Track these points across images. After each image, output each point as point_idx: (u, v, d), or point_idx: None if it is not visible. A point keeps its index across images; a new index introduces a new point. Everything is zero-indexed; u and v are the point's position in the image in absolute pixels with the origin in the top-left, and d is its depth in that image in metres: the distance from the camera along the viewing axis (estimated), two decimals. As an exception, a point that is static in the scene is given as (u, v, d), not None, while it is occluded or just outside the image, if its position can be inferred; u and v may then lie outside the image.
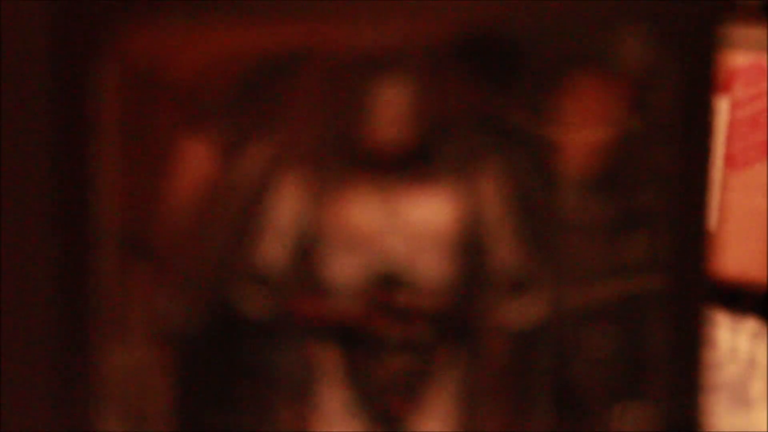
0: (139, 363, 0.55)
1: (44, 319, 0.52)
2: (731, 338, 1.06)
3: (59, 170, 0.51)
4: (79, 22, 0.51)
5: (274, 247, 0.55)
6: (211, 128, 0.55)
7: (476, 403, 0.56)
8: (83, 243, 0.52)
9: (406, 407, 0.56)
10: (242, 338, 0.56)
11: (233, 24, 0.52)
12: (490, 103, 0.54)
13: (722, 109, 1.00)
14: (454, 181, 0.55)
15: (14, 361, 0.52)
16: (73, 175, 0.51)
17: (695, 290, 0.51)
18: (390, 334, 0.55)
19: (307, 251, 0.55)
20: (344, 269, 0.55)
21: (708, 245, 0.50)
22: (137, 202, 0.54)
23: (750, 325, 1.09)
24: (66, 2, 0.50)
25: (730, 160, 1.12)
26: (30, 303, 0.52)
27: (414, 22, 0.50)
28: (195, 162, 0.55)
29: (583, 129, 0.54)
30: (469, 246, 0.55)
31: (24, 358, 0.52)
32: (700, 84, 0.50)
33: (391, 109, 0.53)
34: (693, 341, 0.51)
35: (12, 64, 0.51)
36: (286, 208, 0.55)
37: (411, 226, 0.54)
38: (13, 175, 0.52)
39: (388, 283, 0.55)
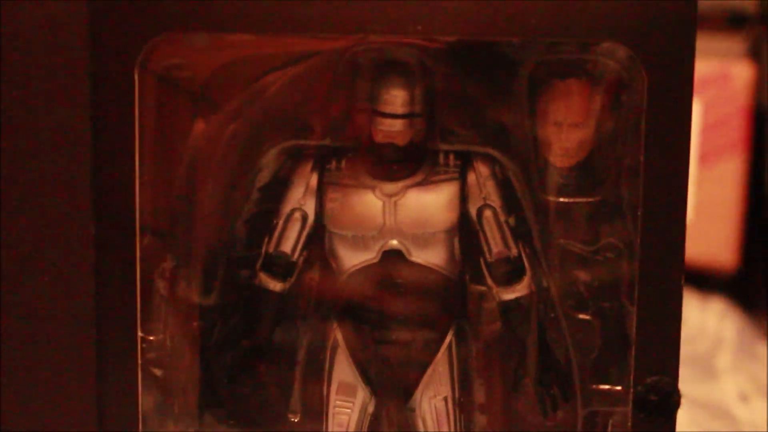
0: (169, 339, 0.55)
1: (85, 298, 0.52)
2: (700, 317, 1.06)
3: (99, 163, 0.51)
4: (115, 35, 0.50)
5: (289, 234, 0.55)
6: (229, 126, 0.55)
7: (472, 374, 0.56)
8: (119, 229, 0.52)
9: (411, 378, 0.55)
10: (262, 317, 0.56)
11: (244, 35, 0.52)
12: (485, 104, 0.54)
13: (695, 111, 0.99)
14: (451, 173, 0.54)
15: (58, 337, 0.52)
16: (111, 167, 0.51)
17: (671, 274, 0.50)
18: (395, 311, 0.55)
19: (319, 237, 0.55)
20: (352, 252, 0.54)
21: (683, 233, 0.50)
22: (164, 194, 0.54)
23: (717, 305, 1.09)
24: (104, 20, 0.50)
25: (702, 158, 1.12)
26: (73, 282, 0.52)
27: (419, 31, 0.50)
28: (216, 157, 0.55)
29: (567, 128, 0.53)
30: (464, 233, 0.55)
31: (66, 338, 0.52)
32: (672, 89, 0.49)
33: (394, 109, 0.53)
34: (668, 320, 0.51)
35: (57, 72, 0.51)
36: (300, 198, 0.55)
37: (412, 215, 0.54)
38: (58, 168, 0.52)
39: (391, 264, 0.54)
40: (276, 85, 0.54)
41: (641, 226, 0.50)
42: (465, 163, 0.54)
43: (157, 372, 0.54)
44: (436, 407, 0.55)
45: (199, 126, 0.55)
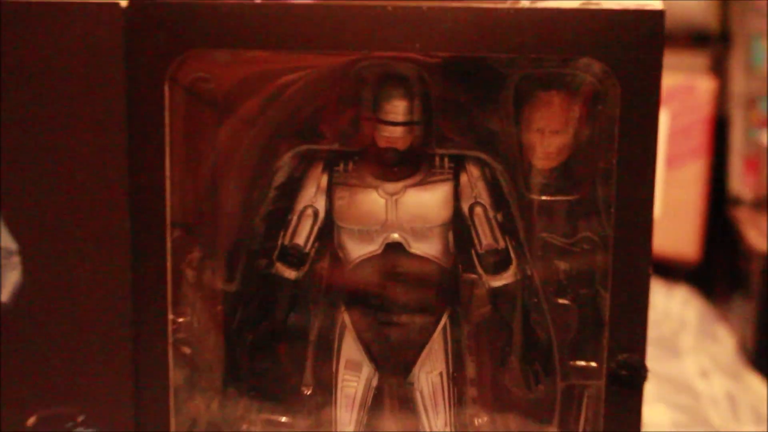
0: (196, 321, 0.55)
1: (122, 286, 0.52)
2: (665, 302, 1.06)
3: (134, 166, 0.51)
4: (148, 53, 0.50)
5: (302, 228, 0.55)
6: (248, 132, 0.55)
7: (464, 352, 0.55)
8: (152, 224, 0.52)
9: (410, 355, 0.55)
10: (279, 302, 0.55)
11: (262, 52, 0.51)
12: (476, 113, 0.54)
13: (662, 120, 0.99)
14: (446, 174, 0.54)
15: (99, 319, 0.52)
16: (145, 170, 0.51)
17: (640, 264, 0.50)
18: (396, 297, 0.55)
19: (329, 231, 0.55)
20: (358, 244, 0.54)
21: (651, 228, 0.50)
22: (191, 192, 0.54)
23: (681, 292, 1.09)
24: (138, 39, 0.50)
25: (669, 161, 1.12)
26: (111, 271, 0.52)
27: (418, 49, 0.50)
28: (237, 160, 0.55)
29: (548, 134, 0.53)
30: (458, 227, 0.54)
31: (106, 320, 0.52)
32: (642, 100, 0.49)
33: (395, 118, 0.53)
34: (637, 305, 0.50)
35: (97, 85, 0.51)
36: (312, 196, 0.55)
37: (411, 212, 0.54)
38: (97, 171, 0.52)
39: (393, 255, 0.54)
40: (290, 95, 0.54)
41: (614, 222, 0.50)
42: (458, 165, 0.54)
43: (186, 350, 0.54)
44: (432, 381, 0.55)
45: (222, 132, 0.55)
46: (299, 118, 0.54)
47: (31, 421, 0.53)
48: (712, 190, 1.13)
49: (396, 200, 0.54)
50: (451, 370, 0.55)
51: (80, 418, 0.52)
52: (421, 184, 0.54)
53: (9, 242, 0.52)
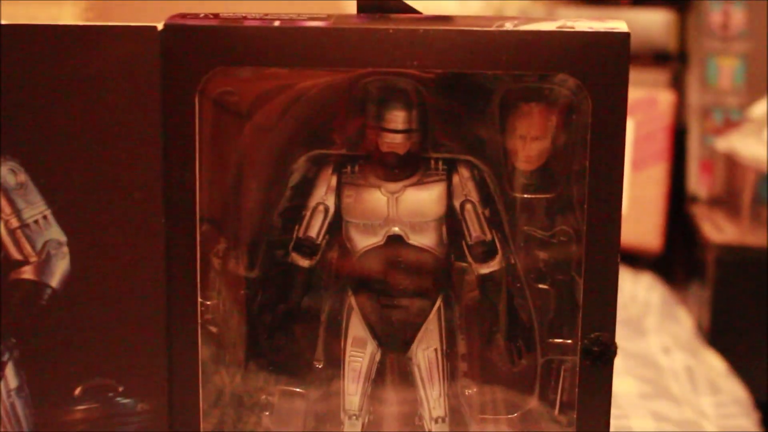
0: (222, 304, 0.55)
1: (157, 273, 0.52)
2: (632, 287, 1.06)
3: (168, 168, 0.51)
4: (180, 69, 0.50)
5: (314, 222, 0.55)
6: (267, 138, 0.55)
7: (456, 331, 0.55)
8: (184, 219, 0.51)
9: (409, 334, 0.55)
10: (294, 287, 0.55)
11: (280, 69, 0.51)
12: (466, 122, 0.54)
13: (629, 128, 0.99)
14: (440, 175, 0.54)
15: (137, 303, 0.52)
16: (177, 171, 0.51)
17: (610, 254, 0.50)
18: (397, 282, 0.55)
19: (338, 225, 0.55)
20: (363, 236, 0.54)
21: (619, 223, 0.50)
22: (218, 191, 0.54)
23: (646, 278, 1.09)
24: (172, 56, 0.50)
25: (635, 164, 1.12)
26: (148, 260, 0.52)
27: (415, 66, 0.50)
28: (257, 162, 0.55)
29: (529, 140, 0.53)
30: (451, 222, 0.54)
31: (143, 303, 0.52)
32: (611, 111, 0.49)
33: (396, 126, 0.53)
34: (607, 290, 0.50)
35: (135, 98, 0.51)
36: (323, 195, 0.54)
37: (409, 208, 0.54)
38: (136, 172, 0.52)
39: (394, 246, 0.54)
40: (304, 106, 0.54)
41: (587, 217, 0.50)
42: (450, 167, 0.54)
43: (213, 329, 0.54)
44: (428, 357, 0.55)
45: (245, 139, 0.54)
46: (312, 126, 0.54)
47: (78, 391, 0.53)
48: (672, 189, 1.14)
49: (396, 198, 0.54)
50: (444, 347, 0.55)
51: (120, 389, 0.52)
52: (418, 184, 0.54)
53: (59, 234, 0.52)
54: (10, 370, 0.53)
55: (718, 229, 1.00)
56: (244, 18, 0.50)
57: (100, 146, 0.51)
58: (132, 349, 0.52)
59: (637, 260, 1.11)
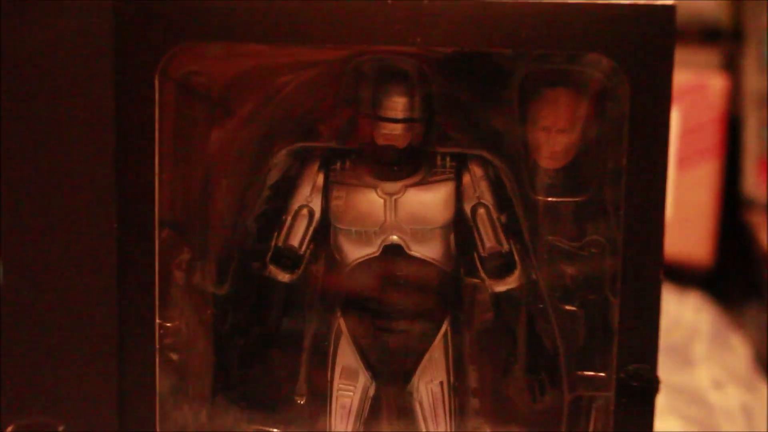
0: (184, 326, 0.55)
1: (107, 288, 0.52)
2: (677, 309, 1.06)
3: (121, 162, 0.51)
4: (138, 45, 0.50)
5: (297, 229, 0.55)
6: (242, 129, 0.55)
7: (466, 360, 0.56)
8: (140, 223, 0.52)
9: (409, 364, 0.55)
10: (272, 306, 0.55)
11: (257, 45, 0.51)
12: (479, 111, 0.54)
13: (674, 119, 0.99)
14: (448, 174, 0.54)
15: (82, 323, 0.52)
16: (133, 166, 0.51)
17: (651, 269, 0.50)
18: (395, 302, 0.55)
19: (325, 233, 0.55)
20: (355, 246, 0.54)
21: (663, 231, 0.50)
22: (181, 191, 0.54)
23: (693, 298, 1.09)
24: (128, 30, 0.50)
25: (680, 162, 1.12)
26: (96, 272, 0.52)
27: (419, 43, 0.50)
28: (230, 157, 0.55)
29: (554, 133, 0.53)
30: (460, 229, 0.54)
31: (89, 324, 0.52)
32: (653, 98, 0.49)
33: (395, 114, 0.53)
34: (648, 312, 0.51)
35: (83, 78, 0.51)
36: (308, 195, 0.55)
37: (411, 213, 0.54)
38: (83, 166, 0.52)
39: (392, 258, 0.54)
40: (286, 91, 0.54)
41: (623, 225, 0.50)
42: (460, 164, 0.54)
43: (174, 356, 0.54)
44: (432, 391, 0.55)
45: (215, 129, 0.55)
46: (295, 114, 0.54)
47: (9, 430, 0.53)
48: (724, 191, 1.14)
49: (395, 200, 0.54)
50: (452, 380, 0.55)
51: (60, 428, 0.52)
52: (421, 183, 0.54)
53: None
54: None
55: (779, 240, 1.00)
56: (214, -16, 0.51)
57: (41, 137, 0.51)
58: (75, 379, 0.52)
59: (683, 276, 1.11)
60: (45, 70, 0.51)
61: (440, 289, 0.55)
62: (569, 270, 0.54)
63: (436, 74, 0.53)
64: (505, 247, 0.54)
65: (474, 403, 0.56)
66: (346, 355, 0.55)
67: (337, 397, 0.55)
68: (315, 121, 0.54)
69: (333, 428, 0.55)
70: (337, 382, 0.55)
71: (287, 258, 0.55)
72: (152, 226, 0.51)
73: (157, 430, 0.53)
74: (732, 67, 1.19)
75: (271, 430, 0.56)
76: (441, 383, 0.55)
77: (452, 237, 0.54)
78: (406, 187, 0.54)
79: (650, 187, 0.50)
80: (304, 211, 0.54)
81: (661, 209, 0.50)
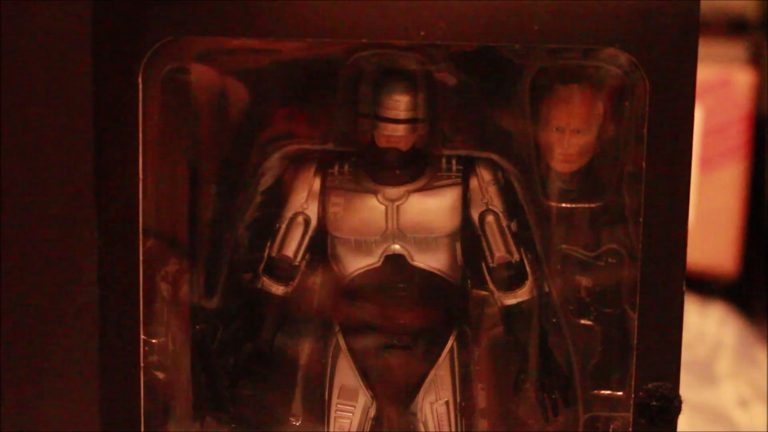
0: (171, 342, 0.55)
1: (89, 300, 0.52)
2: (700, 322, 1.06)
3: (102, 166, 0.51)
4: (119, 40, 0.50)
5: (291, 237, 0.55)
6: (232, 130, 0.55)
7: (473, 378, 0.56)
8: (122, 232, 0.51)
9: (412, 382, 0.55)
10: (264, 320, 0.55)
11: (247, 40, 0.51)
12: (488, 110, 0.54)
13: (696, 117, 0.99)
14: (454, 178, 0.54)
15: (62, 339, 0.52)
16: (114, 170, 0.51)
17: (672, 280, 0.50)
18: (398, 316, 0.55)
19: (322, 242, 0.55)
20: (355, 256, 0.54)
21: (685, 239, 0.50)
22: (167, 198, 0.54)
23: (717, 310, 1.09)
24: (108, 24, 0.50)
25: (704, 163, 1.12)
26: (76, 285, 0.52)
27: (422, 37, 0.50)
28: (219, 160, 0.55)
29: (569, 134, 0.53)
30: (466, 238, 0.54)
31: (68, 340, 0.52)
32: (674, 96, 0.49)
33: (397, 114, 0.53)
34: (669, 326, 0.51)
35: (61, 76, 0.51)
36: (303, 202, 0.55)
37: (414, 220, 0.54)
38: (61, 171, 0.51)
39: (394, 269, 0.54)
40: (279, 89, 0.54)
41: (643, 232, 0.50)
42: (467, 168, 0.54)
43: (159, 375, 0.54)
44: (437, 411, 0.55)
45: (203, 130, 0.55)
46: (289, 114, 0.54)
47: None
48: (750, 195, 1.14)
49: (397, 207, 0.54)
50: (458, 399, 0.55)
51: (39, 452, 0.52)
52: (425, 188, 0.54)
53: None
54: None
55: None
56: (202, -25, 0.51)
57: (14, 138, 0.51)
58: (54, 399, 0.52)
59: (707, 287, 1.11)
60: (17, 68, 0.51)
61: (446, 302, 0.55)
62: (584, 281, 0.54)
63: (440, 71, 0.53)
64: (516, 256, 0.54)
65: (482, 424, 0.56)
66: (345, 374, 0.55)
67: (335, 419, 0.55)
68: (311, 121, 0.54)
69: (331, 452, 0.55)
70: (335, 402, 0.55)
71: (281, 269, 0.55)
72: (136, 235, 0.51)
73: (142, 453, 0.53)
74: (759, 61, 1.19)
75: (264, 453, 0.56)
76: (447, 403, 0.55)
77: (458, 246, 0.54)
78: (409, 192, 0.54)
79: (671, 191, 0.50)
80: (300, 219, 0.54)
81: (683, 215, 0.50)
